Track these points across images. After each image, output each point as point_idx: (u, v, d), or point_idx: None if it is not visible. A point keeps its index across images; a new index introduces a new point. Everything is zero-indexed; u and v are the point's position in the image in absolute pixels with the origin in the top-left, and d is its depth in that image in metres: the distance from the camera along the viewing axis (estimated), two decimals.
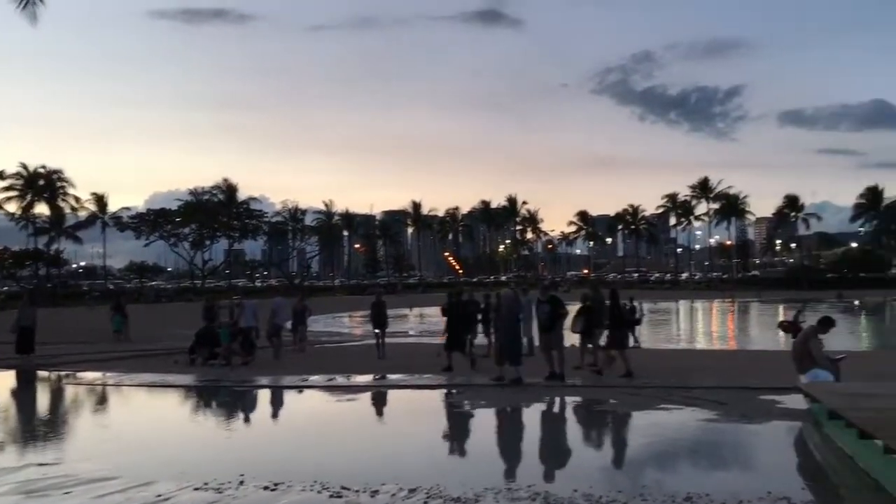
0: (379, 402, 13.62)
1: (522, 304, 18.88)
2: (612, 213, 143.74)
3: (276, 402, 14.17)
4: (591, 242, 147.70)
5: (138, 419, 12.37)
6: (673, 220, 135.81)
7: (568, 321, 15.05)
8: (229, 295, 25.84)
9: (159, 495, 6.67)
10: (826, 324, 11.70)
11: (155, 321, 36.74)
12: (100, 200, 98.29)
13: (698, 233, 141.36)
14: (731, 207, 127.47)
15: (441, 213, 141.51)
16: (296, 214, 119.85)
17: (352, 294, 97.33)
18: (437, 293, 68.33)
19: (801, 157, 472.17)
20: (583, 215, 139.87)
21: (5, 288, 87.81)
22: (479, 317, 19.37)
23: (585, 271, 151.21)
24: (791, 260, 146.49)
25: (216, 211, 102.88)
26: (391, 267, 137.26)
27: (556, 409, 12.22)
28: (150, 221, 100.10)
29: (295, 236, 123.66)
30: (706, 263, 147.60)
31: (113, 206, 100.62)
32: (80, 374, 17.65)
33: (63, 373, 18.05)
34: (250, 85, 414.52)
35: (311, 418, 12.05)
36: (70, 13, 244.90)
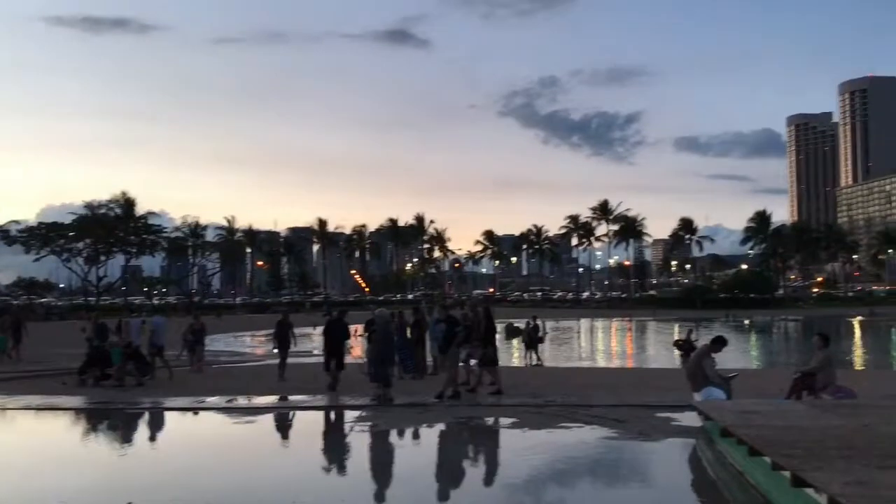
0: (276, 424, 13.29)
1: (428, 321, 18.92)
2: (517, 232, 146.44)
3: (170, 425, 13.60)
4: (497, 262, 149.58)
5: (21, 445, 11.66)
6: (575, 241, 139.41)
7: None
8: (125, 312, 24.76)
9: None
10: (719, 343, 12.14)
11: (44, 340, 34.86)
12: None
13: (599, 253, 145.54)
14: (630, 229, 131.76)
15: (348, 231, 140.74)
16: (196, 230, 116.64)
17: (254, 312, 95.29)
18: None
19: (696, 182, 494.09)
20: (489, 235, 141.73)
21: None
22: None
23: (491, 290, 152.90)
24: (686, 280, 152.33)
25: (113, 225, 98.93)
26: (296, 285, 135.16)
27: (456, 429, 12.17)
28: (41, 235, 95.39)
29: (195, 253, 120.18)
30: (606, 283, 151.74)
31: (0, 219, 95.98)
32: None
33: None
34: (151, 97, 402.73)
35: (206, 442, 11.63)
36: None
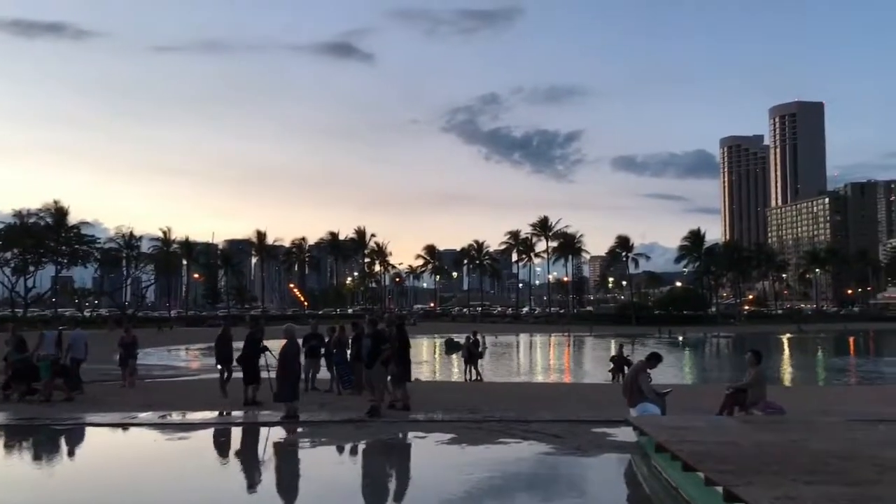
0: (212, 441, 12.98)
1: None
2: (458, 247, 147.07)
3: (99, 443, 13.16)
4: (438, 276, 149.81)
5: None
6: (515, 257, 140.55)
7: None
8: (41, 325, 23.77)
9: None
10: (654, 359, 12.36)
11: None
12: None
13: (538, 269, 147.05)
14: (569, 246, 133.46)
15: (287, 244, 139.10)
16: (131, 241, 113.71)
17: (190, 325, 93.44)
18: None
19: (632, 201, 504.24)
20: (430, 249, 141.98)
21: None
22: (323, 350, 19.13)
23: (432, 304, 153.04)
24: (622, 297, 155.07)
25: (43, 235, 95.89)
26: (232, 298, 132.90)
27: (394, 445, 12.10)
28: None
29: (130, 264, 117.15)
30: (545, 298, 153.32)
31: None
32: None
33: None
34: (86, 104, 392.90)
35: (136, 459, 11.29)
36: None
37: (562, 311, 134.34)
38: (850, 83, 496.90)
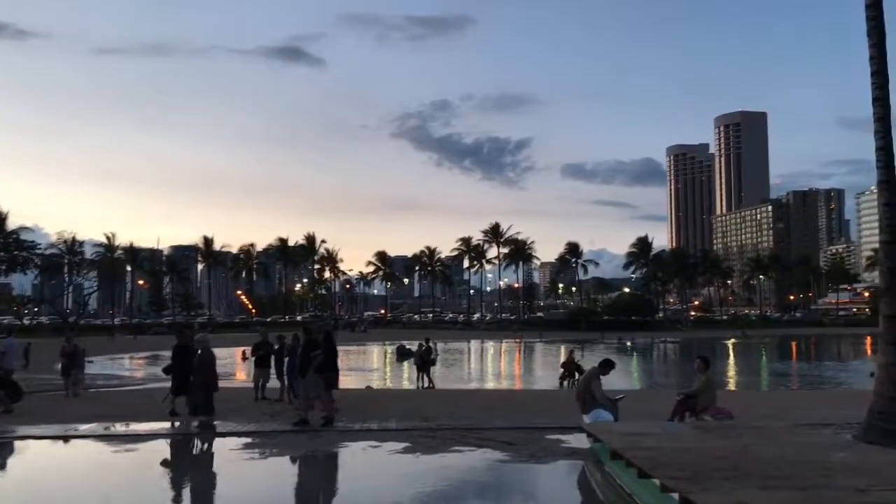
0: (161, 452, 12.64)
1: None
2: (409, 254, 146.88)
3: (38, 456, 12.70)
4: (389, 283, 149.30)
5: None
6: (466, 263, 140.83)
7: None
8: None
9: None
10: (607, 366, 12.43)
11: None
12: None
13: (489, 275, 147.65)
14: (520, 252, 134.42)
15: (235, 250, 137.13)
16: (73, 247, 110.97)
17: (134, 333, 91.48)
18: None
19: (581, 207, 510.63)
20: (381, 256, 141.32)
21: None
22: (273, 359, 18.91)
23: (382, 311, 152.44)
24: (572, 303, 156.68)
25: None
26: (178, 305, 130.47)
27: (347, 454, 11.92)
28: None
29: (72, 270, 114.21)
30: (496, 305, 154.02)
31: None
32: None
33: None
34: (27, 106, 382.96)
35: (76, 472, 10.92)
36: None
37: (513, 318, 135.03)
38: (793, 94, 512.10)
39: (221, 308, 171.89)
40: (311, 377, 13.81)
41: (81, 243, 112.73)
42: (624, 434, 9.16)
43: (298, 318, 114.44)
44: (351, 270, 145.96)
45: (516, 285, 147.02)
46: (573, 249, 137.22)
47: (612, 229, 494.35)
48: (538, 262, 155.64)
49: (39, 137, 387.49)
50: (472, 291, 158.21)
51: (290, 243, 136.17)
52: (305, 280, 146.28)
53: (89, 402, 19.94)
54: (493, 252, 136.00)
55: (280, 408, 17.05)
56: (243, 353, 44.00)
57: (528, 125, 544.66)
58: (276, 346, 19.38)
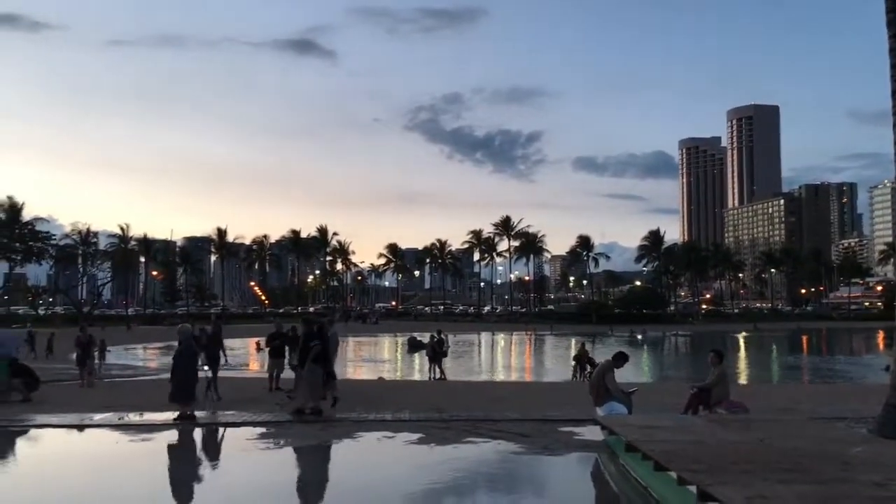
0: (175, 442, 12.71)
1: (329, 337, 18.54)
2: (420, 246, 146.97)
3: (54, 444, 12.82)
4: (400, 275, 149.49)
5: None
6: (477, 256, 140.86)
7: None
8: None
9: None
10: (621, 359, 12.43)
11: None
12: None
13: (500, 268, 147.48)
14: (530, 245, 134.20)
15: (248, 242, 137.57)
16: (87, 238, 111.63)
17: (148, 324, 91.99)
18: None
19: (593, 201, 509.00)
20: (392, 248, 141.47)
21: None
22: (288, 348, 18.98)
23: (393, 303, 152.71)
24: (582, 296, 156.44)
25: None
26: (192, 296, 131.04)
27: (362, 445, 11.96)
28: None
29: (86, 261, 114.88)
30: (507, 297, 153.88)
31: None
32: None
33: None
34: (39, 97, 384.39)
35: (94, 462, 11.01)
36: None
37: (523, 310, 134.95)
38: (805, 87, 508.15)
39: (235, 299, 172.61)
40: (309, 366, 13.90)
41: (96, 234, 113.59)
42: (639, 427, 9.16)
43: (311, 308, 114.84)
44: (362, 262, 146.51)
45: (527, 278, 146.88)
46: (584, 242, 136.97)
47: (623, 222, 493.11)
48: (549, 255, 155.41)
49: (54, 129, 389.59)
50: (482, 284, 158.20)
51: (303, 235, 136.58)
52: (318, 272, 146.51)
53: (104, 391, 20.10)
54: (503, 245, 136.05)
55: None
56: (258, 343, 44.24)
57: (540, 118, 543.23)
58: (289, 336, 19.38)
